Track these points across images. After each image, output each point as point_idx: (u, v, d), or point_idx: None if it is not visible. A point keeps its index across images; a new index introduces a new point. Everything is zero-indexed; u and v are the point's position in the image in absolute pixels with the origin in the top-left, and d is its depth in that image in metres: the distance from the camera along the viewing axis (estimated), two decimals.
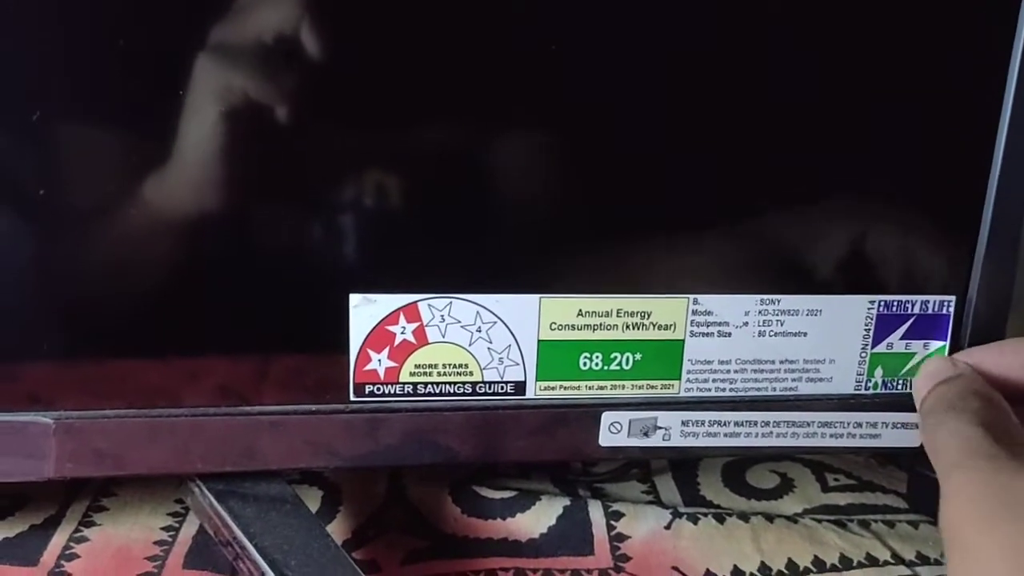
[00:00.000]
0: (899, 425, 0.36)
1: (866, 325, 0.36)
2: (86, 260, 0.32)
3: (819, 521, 0.40)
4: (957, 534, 0.26)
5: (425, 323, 0.33)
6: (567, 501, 0.40)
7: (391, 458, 0.35)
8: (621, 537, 0.38)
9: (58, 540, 0.37)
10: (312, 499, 0.41)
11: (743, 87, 0.33)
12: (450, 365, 0.34)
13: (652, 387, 0.35)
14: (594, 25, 0.31)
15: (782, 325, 0.35)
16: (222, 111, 0.30)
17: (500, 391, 0.35)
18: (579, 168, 0.33)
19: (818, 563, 0.37)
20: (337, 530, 0.39)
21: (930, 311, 0.35)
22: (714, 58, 0.32)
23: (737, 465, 0.44)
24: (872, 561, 0.37)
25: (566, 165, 0.33)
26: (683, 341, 0.35)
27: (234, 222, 0.32)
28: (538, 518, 0.39)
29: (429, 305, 0.33)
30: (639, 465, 0.44)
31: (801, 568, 0.37)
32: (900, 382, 0.36)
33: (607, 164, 0.33)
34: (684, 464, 0.44)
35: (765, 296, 0.35)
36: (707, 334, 0.35)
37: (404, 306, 0.33)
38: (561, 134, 0.33)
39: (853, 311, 0.36)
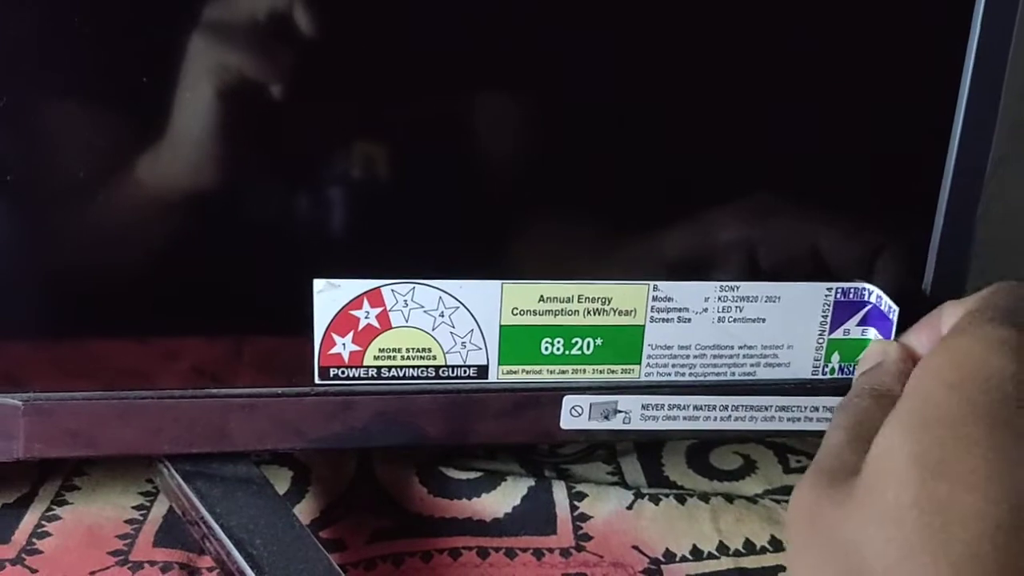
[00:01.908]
0: None
1: (823, 312, 0.36)
2: (55, 241, 0.32)
3: (778, 502, 0.41)
4: (787, 554, 0.27)
5: (388, 308, 0.34)
6: (532, 482, 0.41)
7: (358, 439, 0.36)
8: (584, 517, 0.39)
9: (30, 519, 0.38)
10: (282, 479, 0.41)
11: (701, 76, 0.33)
12: (414, 349, 0.35)
13: (613, 371, 0.36)
14: (556, 13, 0.32)
15: (741, 311, 0.36)
16: (203, 93, 0.31)
17: (463, 375, 0.35)
18: (541, 154, 0.34)
19: (775, 542, 0.38)
20: (305, 509, 0.40)
21: (882, 306, 0.36)
22: (673, 46, 0.33)
23: (701, 447, 0.45)
24: None
25: (528, 151, 0.34)
26: (643, 327, 0.36)
27: (204, 205, 0.32)
28: (503, 498, 0.40)
29: (392, 290, 0.34)
30: (605, 447, 0.45)
31: (758, 547, 0.38)
32: (856, 367, 0.37)
33: (569, 151, 0.34)
34: (649, 446, 0.45)
35: (724, 283, 0.36)
36: (667, 320, 0.36)
37: (368, 291, 0.34)
38: (523, 120, 0.33)
39: (811, 298, 0.36)
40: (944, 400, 0.24)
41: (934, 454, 0.23)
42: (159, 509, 0.39)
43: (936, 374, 0.25)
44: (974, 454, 0.23)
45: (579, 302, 0.35)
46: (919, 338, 0.32)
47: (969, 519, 0.22)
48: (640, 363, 0.36)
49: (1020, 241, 0.39)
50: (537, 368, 0.36)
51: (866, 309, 0.36)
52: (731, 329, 0.36)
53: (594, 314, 0.35)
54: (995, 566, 0.21)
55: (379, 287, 0.34)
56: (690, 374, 0.36)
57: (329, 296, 0.34)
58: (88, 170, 0.31)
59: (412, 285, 0.34)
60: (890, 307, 0.33)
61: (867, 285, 0.36)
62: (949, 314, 0.31)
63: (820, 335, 0.37)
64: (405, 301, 0.34)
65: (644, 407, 0.36)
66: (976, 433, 0.23)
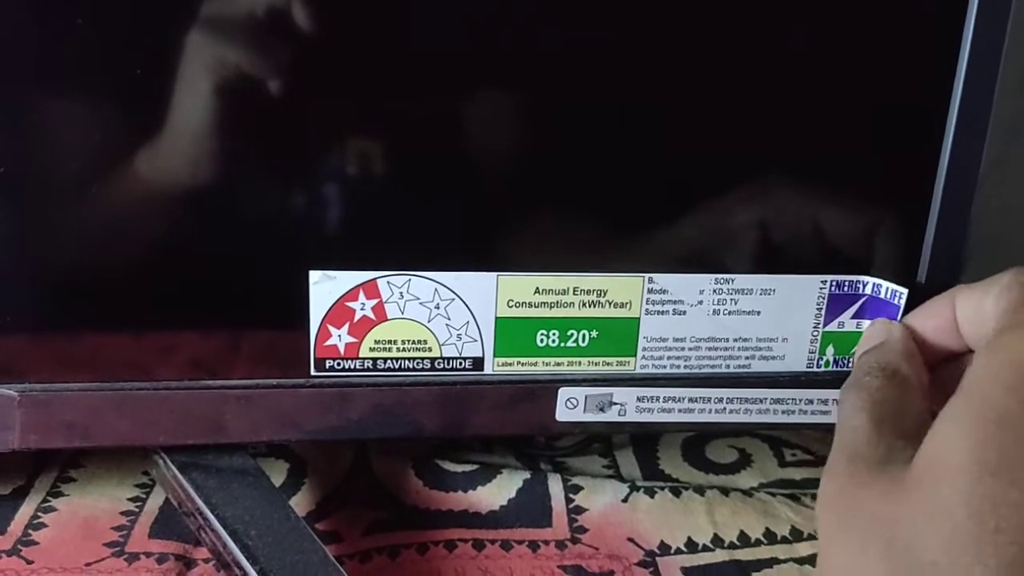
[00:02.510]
0: None
1: (818, 304, 0.36)
2: (52, 233, 0.32)
3: (773, 495, 0.41)
4: (820, 539, 0.26)
5: (384, 300, 0.34)
6: (528, 475, 0.41)
7: (354, 431, 0.36)
8: (579, 510, 0.39)
9: (26, 510, 0.38)
10: (278, 471, 0.41)
11: (696, 70, 0.33)
12: (409, 341, 0.35)
13: (608, 364, 0.36)
14: (552, 6, 0.32)
15: (736, 304, 0.36)
16: (200, 87, 0.31)
17: (459, 367, 0.35)
18: (537, 146, 0.34)
19: (769, 535, 0.38)
20: (301, 502, 0.40)
21: (882, 294, 0.36)
22: (666, 39, 0.33)
23: (697, 440, 0.45)
24: None
25: (523, 144, 0.34)
26: (639, 319, 0.36)
27: (200, 198, 0.32)
28: (499, 491, 0.40)
29: (388, 282, 0.34)
30: (600, 440, 0.45)
31: (752, 540, 0.38)
32: (851, 360, 0.37)
33: (564, 143, 0.34)
34: (645, 439, 0.45)
35: (720, 275, 0.36)
36: (662, 312, 0.36)
37: (363, 283, 0.34)
38: (519, 113, 0.33)
39: (806, 290, 0.36)
40: (1002, 401, 0.24)
41: (992, 455, 0.23)
42: (155, 500, 0.39)
43: (993, 374, 0.25)
44: None
45: (574, 294, 0.35)
46: (924, 322, 0.31)
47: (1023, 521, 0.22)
48: (635, 355, 0.36)
49: (1017, 238, 0.39)
50: (533, 360, 0.36)
51: (861, 301, 0.36)
52: (726, 321, 0.36)
53: (589, 306, 0.35)
54: None
55: (375, 279, 0.34)
56: (685, 366, 0.37)
57: (325, 288, 0.34)
58: (84, 163, 0.31)
59: (408, 277, 0.34)
60: (893, 291, 0.33)
61: (864, 277, 0.36)
62: (964, 299, 0.30)
63: (815, 328, 0.37)
64: (401, 293, 0.34)
65: (639, 399, 0.36)
66: None
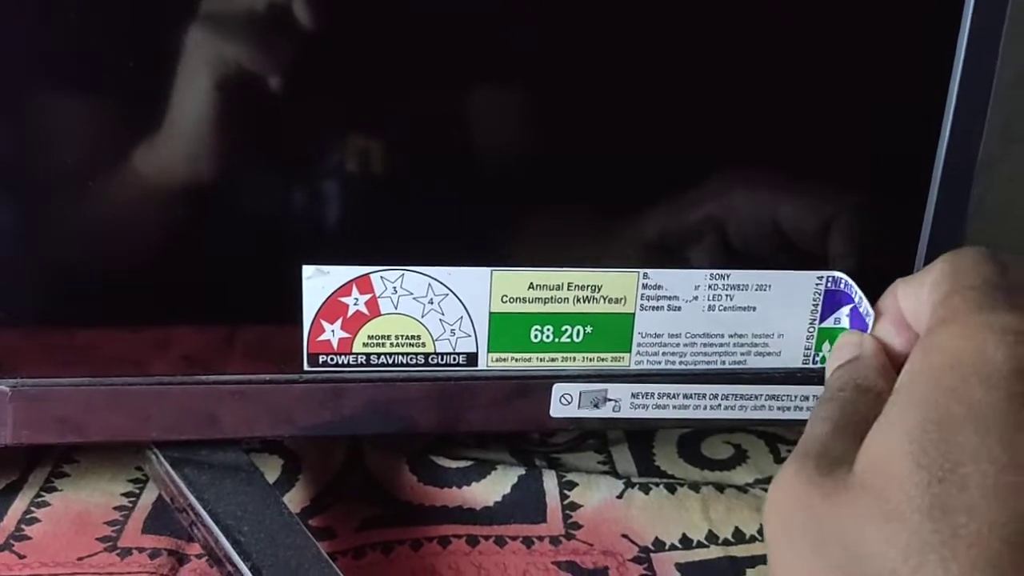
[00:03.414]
0: None
1: (814, 301, 0.36)
2: (46, 229, 0.32)
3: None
4: (768, 542, 0.25)
5: (378, 295, 0.34)
6: (522, 471, 0.41)
7: (348, 427, 0.36)
8: (573, 506, 0.39)
9: (19, 505, 0.38)
10: (272, 467, 0.41)
11: (692, 64, 0.33)
12: (403, 336, 0.35)
13: (603, 359, 0.36)
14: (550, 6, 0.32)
15: (731, 300, 0.36)
16: (198, 84, 0.31)
17: (453, 362, 0.35)
18: (531, 142, 0.34)
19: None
20: (295, 498, 0.40)
21: (861, 308, 0.36)
22: (657, 36, 0.33)
23: (692, 436, 0.45)
24: None
25: (518, 139, 0.34)
26: (633, 315, 0.36)
27: (194, 193, 0.32)
28: (493, 487, 0.40)
29: (381, 277, 0.34)
30: (596, 436, 0.45)
31: (748, 536, 0.38)
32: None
33: (559, 138, 0.34)
34: (640, 435, 0.45)
35: (715, 271, 0.36)
36: (657, 308, 0.36)
37: (357, 278, 0.34)
38: (513, 109, 0.33)
39: (802, 287, 0.36)
40: (943, 404, 0.23)
41: (937, 459, 0.22)
42: (148, 496, 0.39)
43: (930, 375, 0.24)
44: (980, 457, 0.22)
45: (569, 290, 0.35)
46: (884, 327, 0.30)
47: (981, 523, 0.21)
48: (630, 351, 0.36)
49: (1013, 236, 0.39)
50: (527, 356, 0.36)
51: (857, 298, 0.36)
52: (721, 317, 0.36)
53: (584, 302, 0.35)
54: (1011, 569, 0.20)
55: (368, 274, 0.34)
56: (680, 362, 0.36)
57: (318, 282, 0.34)
58: (80, 159, 0.31)
59: (401, 272, 0.34)
60: (868, 312, 0.32)
61: (853, 286, 0.35)
62: (904, 293, 0.29)
63: (811, 324, 0.37)
64: (394, 288, 0.34)
65: (634, 395, 0.36)
66: (979, 436, 0.22)
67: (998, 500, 0.21)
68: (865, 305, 0.32)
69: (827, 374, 0.31)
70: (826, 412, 0.27)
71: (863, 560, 0.22)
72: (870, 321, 0.31)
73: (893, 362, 0.29)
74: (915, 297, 0.28)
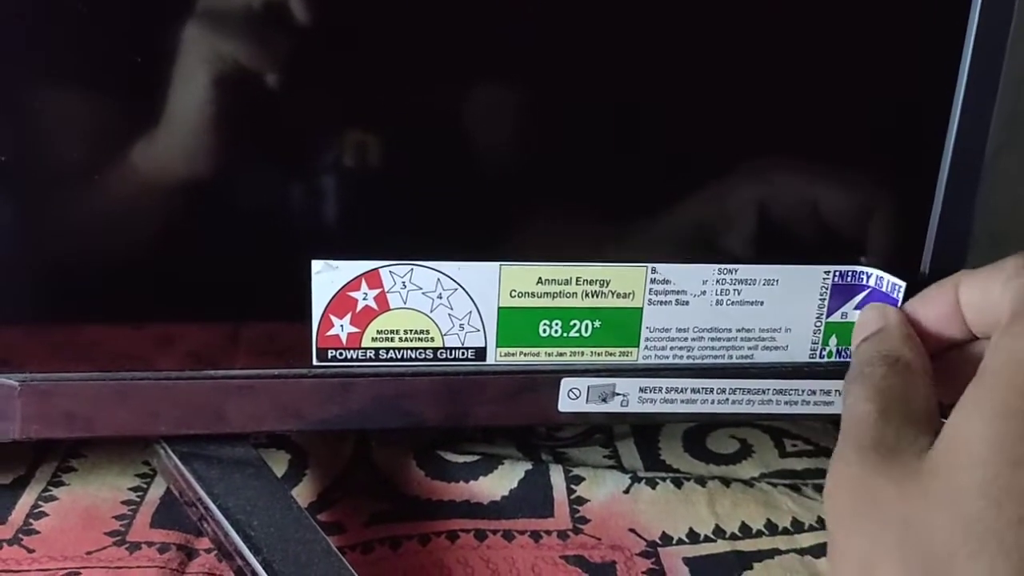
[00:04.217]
0: None
1: (821, 295, 0.36)
2: (53, 224, 0.32)
3: (774, 485, 0.41)
4: (830, 527, 0.26)
5: (387, 289, 0.34)
6: (529, 465, 0.41)
7: (356, 422, 0.36)
8: (581, 500, 0.39)
9: (27, 499, 0.38)
10: (279, 462, 0.41)
11: (698, 56, 0.33)
12: (411, 331, 0.35)
13: (611, 354, 0.36)
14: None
15: (739, 294, 0.36)
16: (200, 78, 0.31)
17: (461, 357, 0.35)
18: (540, 136, 0.34)
19: (770, 526, 0.38)
20: (303, 492, 0.40)
21: (883, 287, 0.36)
22: (667, 24, 0.33)
23: (698, 431, 0.45)
24: (823, 524, 0.38)
25: (527, 133, 0.34)
26: (641, 309, 0.36)
27: (201, 188, 0.32)
28: (500, 481, 0.40)
29: (390, 272, 0.34)
30: (602, 430, 0.45)
31: (754, 531, 0.38)
32: (854, 333, 0.37)
33: (568, 132, 0.34)
34: (646, 429, 0.45)
35: (723, 265, 0.36)
36: (665, 302, 0.36)
37: (366, 272, 0.34)
38: (523, 102, 0.33)
39: (809, 281, 0.36)
40: (1023, 391, 0.23)
41: (1015, 445, 0.22)
42: (157, 490, 0.39)
43: (1017, 361, 0.24)
44: None
45: (577, 284, 0.35)
46: (926, 310, 0.31)
47: None
48: (638, 346, 0.36)
49: (1018, 232, 0.39)
50: (535, 350, 0.36)
51: (865, 292, 0.36)
52: (729, 312, 0.36)
53: (592, 296, 0.35)
54: None
55: (377, 268, 0.34)
56: (688, 357, 0.36)
57: (327, 277, 0.34)
58: (85, 154, 0.31)
59: (410, 266, 0.34)
60: (893, 284, 0.32)
61: (866, 268, 0.35)
62: (969, 285, 0.29)
63: (818, 318, 0.37)
64: (403, 283, 0.34)
65: (642, 390, 0.36)
66: None
67: None
68: (889, 280, 0.32)
69: (852, 347, 0.31)
70: (863, 392, 0.27)
71: (925, 543, 0.22)
72: (898, 294, 0.31)
73: (930, 346, 0.30)
74: (981, 291, 0.28)
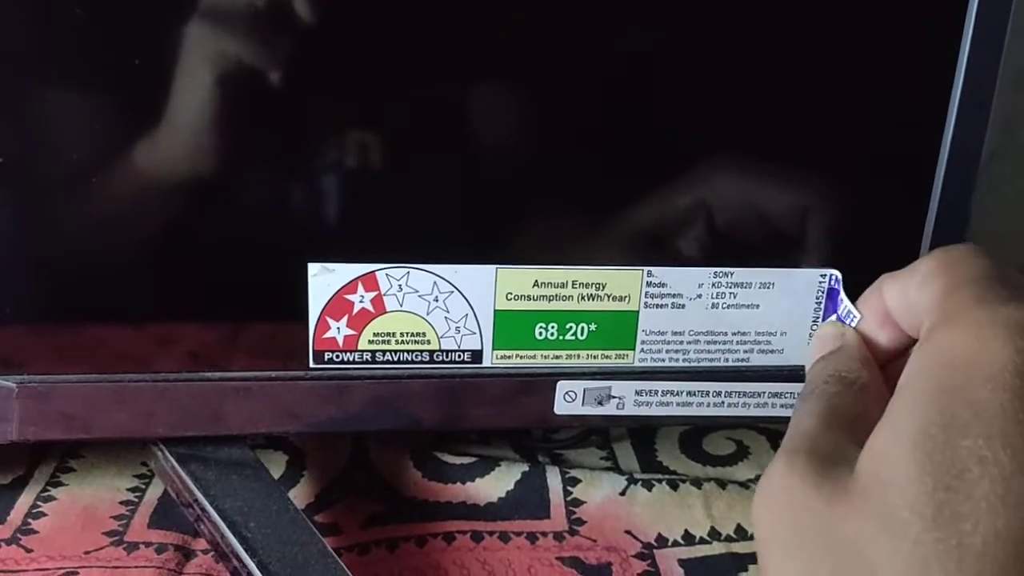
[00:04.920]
0: None
1: (817, 298, 0.36)
2: (52, 225, 0.32)
3: None
4: (760, 544, 0.24)
5: (383, 292, 0.34)
6: (526, 467, 0.41)
7: (352, 424, 0.36)
8: (577, 502, 0.39)
9: (25, 500, 0.38)
10: (276, 463, 0.41)
11: (695, 59, 0.33)
12: (408, 334, 0.35)
13: (607, 357, 0.36)
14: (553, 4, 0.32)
15: (735, 297, 0.36)
16: (201, 79, 0.31)
17: (457, 359, 0.35)
18: (536, 139, 0.34)
19: None
20: (300, 494, 0.40)
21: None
22: (664, 25, 0.33)
23: (694, 433, 0.45)
24: None
25: (523, 137, 0.34)
26: (637, 312, 0.36)
27: (199, 190, 0.32)
28: (497, 483, 0.40)
29: (387, 275, 0.34)
30: (598, 432, 0.45)
31: (750, 533, 0.38)
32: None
33: (564, 135, 0.34)
34: (643, 432, 0.45)
35: (718, 269, 0.36)
36: (661, 305, 0.36)
37: (362, 275, 0.34)
38: (519, 106, 0.33)
39: (805, 284, 0.36)
40: (948, 407, 0.22)
41: (942, 466, 0.21)
42: (154, 492, 0.39)
43: (933, 377, 0.23)
44: (986, 463, 0.21)
45: (573, 287, 0.35)
46: (868, 324, 0.29)
47: (986, 533, 0.20)
48: (634, 349, 0.36)
49: (1013, 234, 0.39)
50: (531, 353, 0.36)
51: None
52: (725, 315, 0.36)
53: (588, 299, 0.35)
54: None
55: (374, 271, 0.34)
56: (684, 360, 0.37)
57: (324, 280, 0.34)
58: (84, 155, 0.31)
59: (407, 269, 0.34)
60: (850, 312, 0.31)
61: (840, 289, 0.35)
62: (890, 289, 0.28)
63: (814, 321, 0.37)
64: (400, 285, 0.34)
65: (638, 393, 0.37)
66: (986, 440, 0.21)
67: (1005, 509, 0.20)
68: (846, 305, 0.31)
69: (807, 366, 0.30)
70: (811, 406, 0.26)
71: (863, 569, 0.21)
72: (851, 321, 0.30)
73: (876, 357, 0.28)
74: (902, 293, 0.27)
